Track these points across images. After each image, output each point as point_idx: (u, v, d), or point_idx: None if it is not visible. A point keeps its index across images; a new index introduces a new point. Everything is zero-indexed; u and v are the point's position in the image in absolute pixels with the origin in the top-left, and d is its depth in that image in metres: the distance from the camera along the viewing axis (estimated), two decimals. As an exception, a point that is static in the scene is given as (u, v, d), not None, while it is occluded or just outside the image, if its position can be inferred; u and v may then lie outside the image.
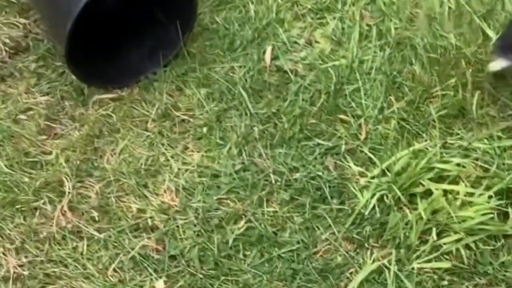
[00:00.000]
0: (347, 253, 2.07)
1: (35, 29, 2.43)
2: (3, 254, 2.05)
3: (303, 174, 2.21)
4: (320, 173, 2.21)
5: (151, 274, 2.03)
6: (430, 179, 2.13)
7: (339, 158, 2.25)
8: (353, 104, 2.37)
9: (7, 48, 2.38)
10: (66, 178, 2.17)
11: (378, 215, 2.12)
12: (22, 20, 2.44)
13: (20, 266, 2.04)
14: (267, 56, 2.45)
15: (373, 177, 2.19)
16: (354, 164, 2.24)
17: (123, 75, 2.37)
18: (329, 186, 2.18)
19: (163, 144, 2.26)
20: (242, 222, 2.11)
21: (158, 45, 2.41)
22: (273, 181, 2.18)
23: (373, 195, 2.13)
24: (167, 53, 2.41)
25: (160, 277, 2.02)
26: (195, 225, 2.10)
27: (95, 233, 2.09)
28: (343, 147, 2.27)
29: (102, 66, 2.35)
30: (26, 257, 2.05)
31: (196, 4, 2.38)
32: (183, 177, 2.19)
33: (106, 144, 2.26)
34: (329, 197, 2.16)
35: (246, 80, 2.39)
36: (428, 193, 2.11)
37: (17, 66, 2.37)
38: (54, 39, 2.32)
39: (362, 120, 2.33)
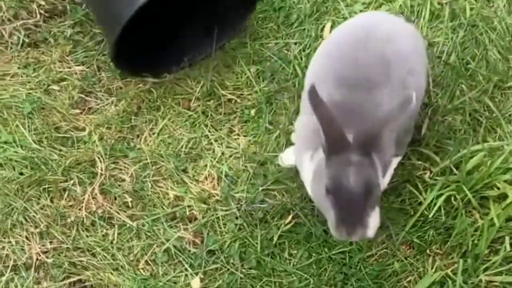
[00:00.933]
0: (405, 259, 1.88)
1: (74, -8, 2.24)
2: (27, 238, 1.90)
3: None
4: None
5: (186, 270, 1.87)
6: (506, 181, 1.89)
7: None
8: None
9: (42, 11, 2.19)
10: (98, 158, 2.00)
11: (443, 218, 1.89)
12: (61, -18, 2.25)
13: (44, 252, 1.88)
14: (326, 33, 2.22)
15: (438, 174, 1.96)
16: (417, 158, 2.02)
17: (176, 59, 2.17)
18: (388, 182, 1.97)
19: (206, 126, 2.07)
20: (289, 217, 1.93)
21: (217, 26, 2.20)
22: (326, 173, 1.98)
23: (439, 195, 1.90)
24: (226, 35, 2.20)
25: (196, 274, 1.87)
26: (237, 218, 1.94)
27: (128, 220, 1.92)
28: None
29: (154, 53, 2.17)
30: (51, 243, 1.90)
31: None
32: (226, 163, 2.02)
33: (144, 122, 2.08)
34: (387, 195, 1.94)
35: (301, 59, 2.18)
36: (502, 197, 1.89)
37: (51, 31, 2.18)
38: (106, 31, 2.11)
39: (429, 109, 2.10)
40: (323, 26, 2.24)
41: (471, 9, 2.28)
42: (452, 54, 2.20)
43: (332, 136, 1.48)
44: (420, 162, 2.00)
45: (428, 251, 1.88)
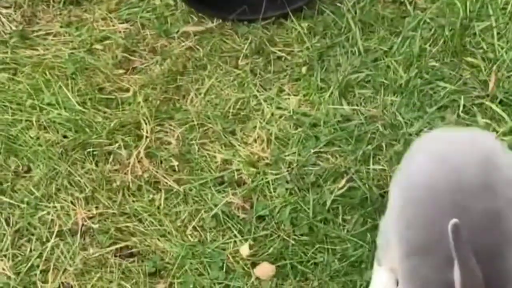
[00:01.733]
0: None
1: None
2: (72, 203, 1.86)
3: (417, 127, 1.91)
4: (439, 128, 1.90)
5: (235, 236, 1.81)
6: None
7: (464, 110, 1.94)
8: (483, 44, 2.05)
9: (84, -34, 2.14)
10: (144, 120, 1.94)
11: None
12: None
13: (90, 218, 1.84)
14: (382, -16, 2.11)
15: (505, 134, 1.85)
16: (482, 117, 1.92)
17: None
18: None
19: (255, 85, 2.00)
20: (343, 181, 1.85)
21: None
22: (382, 134, 1.90)
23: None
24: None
25: (246, 240, 1.80)
26: (287, 182, 1.86)
27: (174, 185, 1.87)
28: (469, 96, 1.95)
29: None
30: (96, 208, 1.85)
31: None
32: (276, 124, 1.94)
33: (190, 82, 2.02)
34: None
35: (355, 12, 2.08)
36: None
37: (94, -12, 2.13)
38: None
39: (493, 65, 1.99)
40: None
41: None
42: (517, 4, 2.07)
43: None
44: (486, 120, 1.89)
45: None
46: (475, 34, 2.05)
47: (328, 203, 1.82)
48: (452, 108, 1.94)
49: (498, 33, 2.05)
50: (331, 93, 1.96)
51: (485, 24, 2.07)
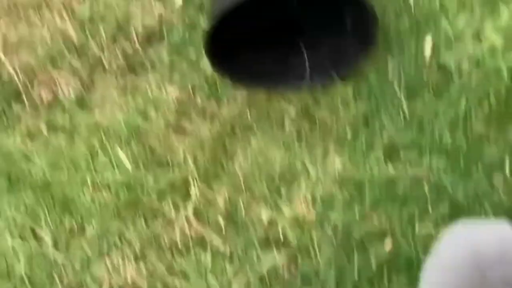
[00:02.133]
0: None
1: (170, 16, 2.25)
2: (122, 260, 1.89)
3: (464, 189, 1.89)
4: (485, 191, 1.88)
5: None
6: None
7: (510, 172, 1.91)
8: None
9: (139, 37, 2.23)
10: (193, 180, 1.98)
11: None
12: (158, 6, 2.28)
13: (139, 275, 1.87)
14: (427, 50, 2.13)
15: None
16: (529, 179, 1.89)
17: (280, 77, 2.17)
18: (496, 207, 1.84)
19: (300, 147, 2.02)
20: (389, 243, 1.84)
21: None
22: (429, 196, 1.89)
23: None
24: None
25: None
26: (333, 243, 1.85)
27: (221, 244, 1.89)
28: (516, 159, 1.94)
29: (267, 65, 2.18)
30: (145, 266, 1.88)
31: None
32: (322, 185, 1.95)
33: (238, 143, 2.05)
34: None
35: (400, 77, 2.09)
36: None
37: (149, 55, 2.21)
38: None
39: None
40: (423, 43, 2.15)
41: None
42: None
43: None
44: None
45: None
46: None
47: (374, 264, 1.80)
48: (499, 172, 1.93)
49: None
50: (376, 155, 1.96)
51: None
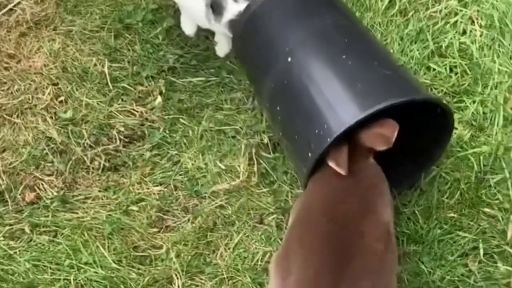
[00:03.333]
0: None
1: (151, 116, 2.32)
2: None
3: (441, 275, 1.94)
4: (461, 275, 1.93)
5: None
6: None
7: (485, 257, 1.98)
8: (499, 196, 2.10)
9: (121, 137, 2.28)
10: (176, 275, 2.01)
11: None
12: (139, 108, 2.34)
13: None
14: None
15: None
16: (503, 264, 1.94)
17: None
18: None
19: (281, 239, 2.05)
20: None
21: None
22: (407, 283, 1.93)
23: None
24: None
25: None
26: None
27: (206, 337, 1.89)
28: (489, 245, 2.00)
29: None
30: None
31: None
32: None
33: (220, 238, 2.08)
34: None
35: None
36: None
37: (130, 155, 2.26)
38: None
39: (510, 215, 2.04)
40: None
41: (547, 108, 2.25)
42: (533, 157, 2.15)
43: None
44: (508, 267, 1.94)
45: None
46: (490, 186, 2.11)
47: None
48: (473, 256, 1.98)
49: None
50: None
51: (500, 176, 2.12)
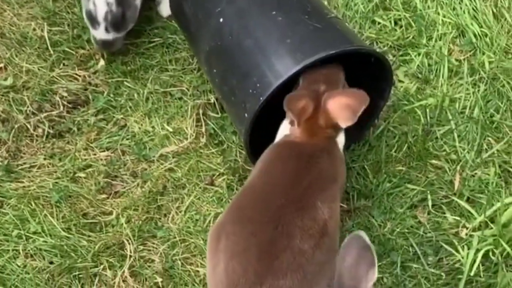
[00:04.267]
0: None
1: (94, 80, 2.27)
2: (59, 327, 1.86)
3: (391, 228, 1.96)
4: (411, 227, 1.96)
5: None
6: (544, 231, 1.83)
7: (433, 208, 2.01)
8: (445, 147, 2.14)
9: (65, 102, 2.23)
10: (127, 240, 1.98)
11: (482, 275, 1.82)
12: (82, 72, 2.29)
13: None
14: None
15: (474, 230, 1.91)
16: (451, 214, 1.97)
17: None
18: (423, 242, 1.92)
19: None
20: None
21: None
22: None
23: (477, 251, 1.84)
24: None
25: None
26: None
27: (160, 301, 1.88)
28: (437, 196, 2.03)
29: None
30: (84, 330, 1.85)
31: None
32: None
33: (171, 201, 2.06)
34: (423, 255, 1.89)
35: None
36: (542, 247, 1.82)
37: (75, 120, 2.21)
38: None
39: (457, 166, 2.07)
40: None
41: (490, 62, 2.27)
42: (475, 108, 2.18)
43: None
44: (456, 217, 1.96)
45: (471, 309, 1.82)
46: (437, 138, 2.14)
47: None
48: (422, 207, 2.02)
49: (458, 136, 2.12)
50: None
51: (446, 128, 2.15)
